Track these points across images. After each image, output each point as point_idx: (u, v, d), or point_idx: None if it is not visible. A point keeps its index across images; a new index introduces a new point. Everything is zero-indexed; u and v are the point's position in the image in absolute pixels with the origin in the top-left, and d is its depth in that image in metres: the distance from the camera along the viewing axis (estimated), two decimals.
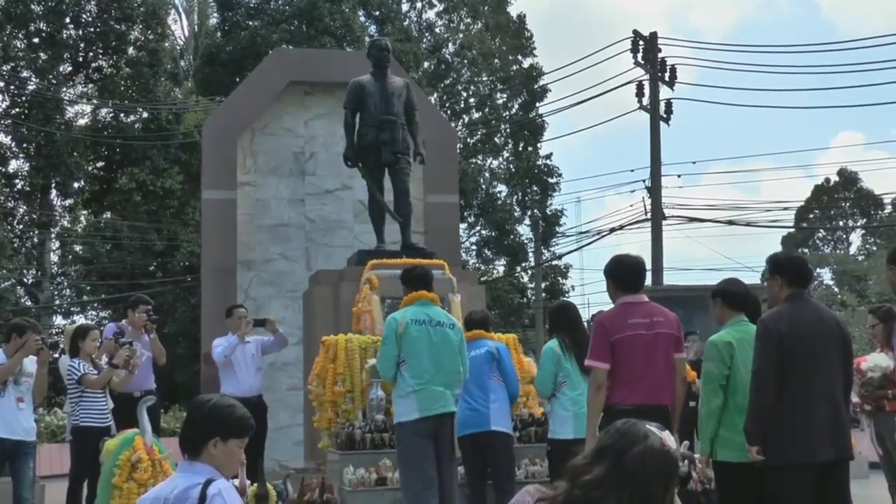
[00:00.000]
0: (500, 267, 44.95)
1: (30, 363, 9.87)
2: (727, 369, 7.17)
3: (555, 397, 9.10)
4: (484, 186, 42.69)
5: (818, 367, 6.74)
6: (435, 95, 40.56)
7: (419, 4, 44.89)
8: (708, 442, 7.22)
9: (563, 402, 8.97)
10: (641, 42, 30.58)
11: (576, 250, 52.47)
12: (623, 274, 7.64)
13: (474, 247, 43.54)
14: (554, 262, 44.38)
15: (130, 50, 37.66)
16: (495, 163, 44.68)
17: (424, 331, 8.88)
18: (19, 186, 37.44)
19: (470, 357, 9.30)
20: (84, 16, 37.13)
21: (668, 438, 3.27)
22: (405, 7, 44.66)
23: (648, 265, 8.67)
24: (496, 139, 44.18)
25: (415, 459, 8.74)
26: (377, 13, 41.02)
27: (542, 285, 43.66)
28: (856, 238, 66.76)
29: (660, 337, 7.38)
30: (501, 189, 44.27)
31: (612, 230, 36.08)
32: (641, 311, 7.44)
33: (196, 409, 4.54)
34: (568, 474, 3.29)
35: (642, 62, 30.57)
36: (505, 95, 44.54)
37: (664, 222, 30.39)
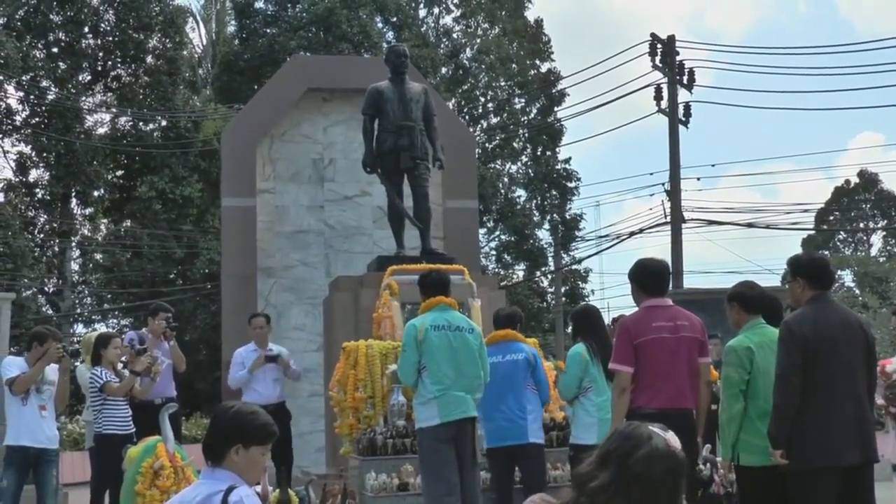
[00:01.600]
0: (519, 272, 44.98)
1: (51, 371, 9.91)
2: (747, 374, 7.12)
3: (579, 402, 9.06)
4: (503, 191, 42.69)
5: (842, 369, 6.69)
6: (453, 101, 40.59)
7: (436, 10, 44.94)
8: (730, 447, 7.17)
9: (587, 407, 8.92)
10: (659, 45, 30.50)
11: (595, 254, 52.44)
12: (647, 278, 7.61)
13: (494, 252, 43.54)
14: (573, 267, 44.34)
15: (149, 58, 37.82)
16: (514, 167, 44.69)
17: (444, 336, 8.87)
18: (40, 195, 37.62)
19: (506, 361, 9.33)
20: (102, 25, 37.29)
21: (673, 439, 3.21)
22: (422, 13, 44.73)
23: None
24: (514, 144, 44.16)
25: (436, 465, 8.73)
26: (394, 19, 41.09)
27: (562, 290, 43.61)
28: (877, 240, 66.50)
29: (683, 341, 7.35)
30: (520, 194, 44.31)
31: (632, 234, 36.05)
32: (665, 314, 7.41)
33: (219, 415, 4.54)
34: (574, 481, 3.22)
35: (660, 65, 30.48)
36: (523, 100, 44.54)
37: (684, 225, 30.30)
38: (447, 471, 8.71)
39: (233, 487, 4.31)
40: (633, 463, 3.11)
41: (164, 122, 37.19)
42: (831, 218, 61.84)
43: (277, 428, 4.53)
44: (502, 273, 42.24)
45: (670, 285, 7.96)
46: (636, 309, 7.68)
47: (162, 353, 11.31)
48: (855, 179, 63.07)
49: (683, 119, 30.31)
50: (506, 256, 43.98)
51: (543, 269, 44.17)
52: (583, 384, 8.97)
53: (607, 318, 12.43)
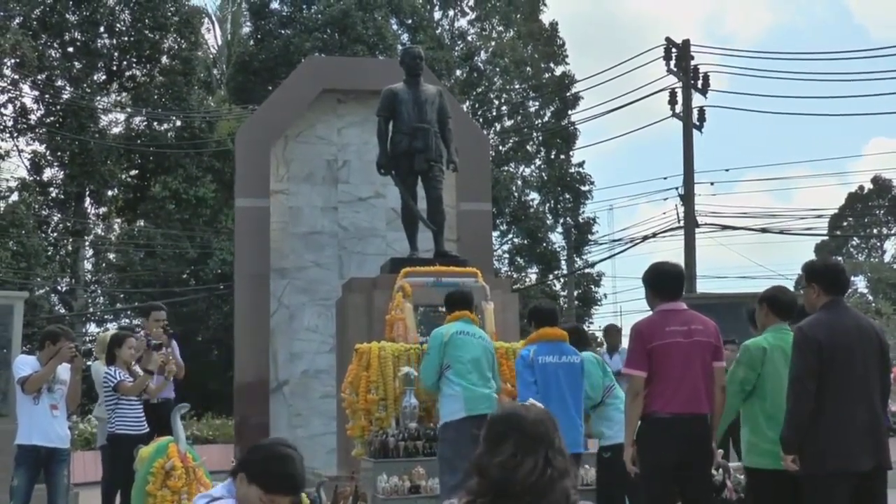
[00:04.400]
0: (532, 275, 44.87)
1: (63, 371, 9.91)
2: (755, 374, 7.13)
3: (604, 404, 9.06)
4: (516, 194, 42.62)
5: (856, 375, 6.67)
6: (467, 103, 40.56)
7: (451, 12, 44.94)
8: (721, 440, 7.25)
9: (618, 405, 8.79)
10: (674, 49, 30.46)
11: (608, 258, 52.27)
12: (661, 281, 7.57)
13: (507, 254, 43.48)
14: (586, 270, 44.27)
15: (164, 59, 37.84)
16: (527, 170, 44.63)
17: (469, 339, 9.52)
18: (54, 194, 37.68)
19: (563, 363, 9.03)
20: (118, 25, 37.34)
21: (537, 405, 3.80)
22: (437, 15, 44.74)
23: None
24: (528, 147, 44.10)
25: (453, 456, 9.05)
26: (410, 21, 41.08)
27: (575, 293, 43.55)
28: (890, 246, 66.51)
29: (697, 345, 7.30)
30: (534, 197, 44.21)
31: (645, 238, 35.98)
32: (679, 318, 7.37)
33: (253, 452, 4.47)
34: (475, 469, 3.67)
35: (675, 70, 30.44)
36: (537, 103, 44.47)
37: (697, 230, 30.26)
38: (463, 464, 8.87)
39: (219, 498, 4.29)
40: (494, 425, 3.70)
41: (178, 123, 37.22)
42: (845, 224, 61.75)
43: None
44: (515, 276, 42.15)
45: (684, 289, 7.91)
46: (650, 313, 7.65)
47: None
48: (869, 185, 62.99)
49: (698, 123, 30.27)
50: (518, 259, 43.90)
51: (556, 272, 44.09)
52: (604, 383, 8.99)
53: (618, 322, 12.40)
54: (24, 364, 9.93)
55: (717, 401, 7.39)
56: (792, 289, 8.54)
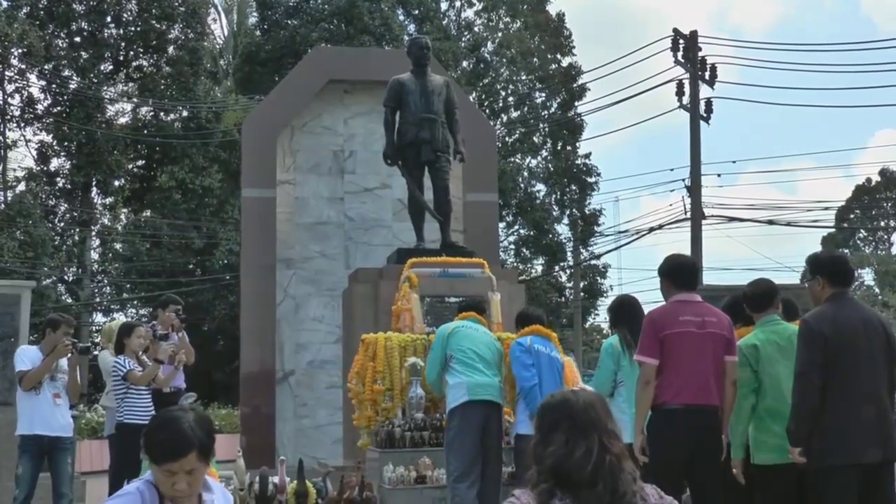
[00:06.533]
0: (538, 266, 44.88)
1: (65, 359, 9.95)
2: (753, 372, 7.12)
3: (610, 398, 8.93)
4: (522, 185, 42.61)
5: (862, 367, 6.66)
6: (474, 94, 40.51)
7: (458, 3, 44.91)
8: (741, 447, 7.18)
9: (619, 404, 8.67)
10: (682, 41, 30.36)
11: (614, 250, 52.35)
12: (678, 272, 7.56)
13: (513, 246, 43.49)
14: (592, 262, 44.25)
15: (171, 49, 37.86)
16: (534, 162, 44.60)
17: (473, 333, 9.58)
18: (61, 185, 37.73)
19: (554, 357, 9.47)
20: (125, 15, 37.36)
21: (584, 387, 3.80)
22: (444, 6, 44.71)
23: None
24: (535, 138, 44.07)
25: (460, 443, 9.14)
26: (416, 12, 41.08)
27: (581, 285, 43.54)
28: None
29: (710, 336, 7.27)
30: (540, 188, 44.20)
31: (652, 230, 35.92)
32: (693, 309, 7.35)
33: (146, 427, 4.13)
34: (532, 459, 3.70)
35: (682, 61, 30.34)
36: (544, 94, 44.42)
37: (704, 222, 30.21)
38: (470, 451, 9.15)
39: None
40: (549, 409, 3.75)
41: (185, 113, 37.26)
42: (852, 216, 61.64)
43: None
44: (521, 267, 42.15)
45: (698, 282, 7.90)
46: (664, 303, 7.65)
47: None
48: (876, 178, 62.87)
49: (705, 115, 30.18)
50: (524, 251, 43.90)
51: (562, 263, 44.10)
52: (616, 378, 8.82)
53: None
54: (25, 357, 9.95)
55: (727, 395, 7.33)
56: (798, 281, 8.52)
